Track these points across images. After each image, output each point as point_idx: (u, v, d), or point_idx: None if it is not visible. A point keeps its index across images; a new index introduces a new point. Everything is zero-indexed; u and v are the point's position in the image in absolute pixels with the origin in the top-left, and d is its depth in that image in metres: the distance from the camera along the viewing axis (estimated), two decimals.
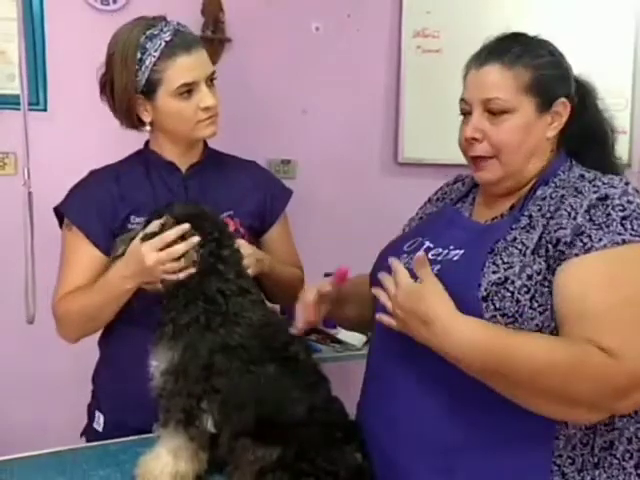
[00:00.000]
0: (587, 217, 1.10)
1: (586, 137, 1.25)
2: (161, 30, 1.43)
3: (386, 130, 2.66)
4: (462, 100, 1.24)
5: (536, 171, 1.22)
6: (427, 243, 1.26)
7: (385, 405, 1.22)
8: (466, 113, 1.24)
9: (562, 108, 1.21)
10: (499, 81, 1.19)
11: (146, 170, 1.53)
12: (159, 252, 1.29)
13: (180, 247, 1.28)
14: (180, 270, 1.27)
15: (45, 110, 2.27)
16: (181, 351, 1.23)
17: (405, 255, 1.26)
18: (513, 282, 1.10)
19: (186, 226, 1.29)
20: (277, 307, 1.99)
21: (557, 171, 1.21)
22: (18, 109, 2.03)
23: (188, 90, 1.43)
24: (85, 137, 2.25)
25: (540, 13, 2.49)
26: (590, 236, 1.09)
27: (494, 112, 1.19)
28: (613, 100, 2.61)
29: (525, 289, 1.10)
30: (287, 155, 2.58)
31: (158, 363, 1.25)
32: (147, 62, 1.41)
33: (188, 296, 1.26)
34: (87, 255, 1.49)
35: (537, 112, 1.19)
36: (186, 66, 1.42)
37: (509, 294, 1.09)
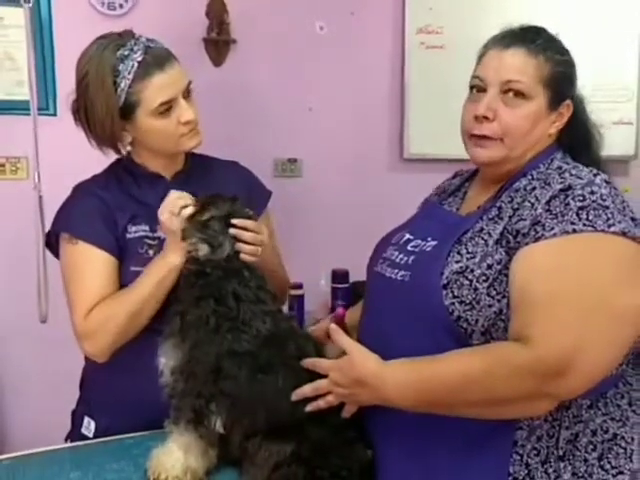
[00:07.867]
0: (546, 208, 1.10)
1: (583, 138, 1.27)
2: (131, 50, 1.40)
3: (391, 127, 2.66)
4: (476, 77, 1.24)
5: (527, 162, 1.23)
6: (407, 235, 1.29)
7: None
8: (478, 90, 1.23)
9: (566, 109, 1.23)
10: (523, 66, 1.19)
11: (133, 180, 1.53)
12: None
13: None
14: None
15: (55, 115, 2.31)
16: (188, 351, 1.23)
17: (391, 247, 1.30)
18: (472, 271, 1.12)
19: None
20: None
21: (539, 164, 1.22)
22: (28, 114, 2.06)
23: (167, 108, 1.42)
24: None
25: (544, 8, 2.49)
26: (544, 225, 1.08)
27: (512, 94, 1.19)
28: (619, 92, 2.66)
29: (484, 277, 1.11)
30: (293, 154, 2.59)
31: (166, 360, 1.26)
32: (122, 85, 1.39)
33: (203, 289, 1.26)
34: (103, 264, 1.45)
35: (547, 107, 1.21)
36: (162, 84, 1.40)
37: (467, 282, 1.12)
